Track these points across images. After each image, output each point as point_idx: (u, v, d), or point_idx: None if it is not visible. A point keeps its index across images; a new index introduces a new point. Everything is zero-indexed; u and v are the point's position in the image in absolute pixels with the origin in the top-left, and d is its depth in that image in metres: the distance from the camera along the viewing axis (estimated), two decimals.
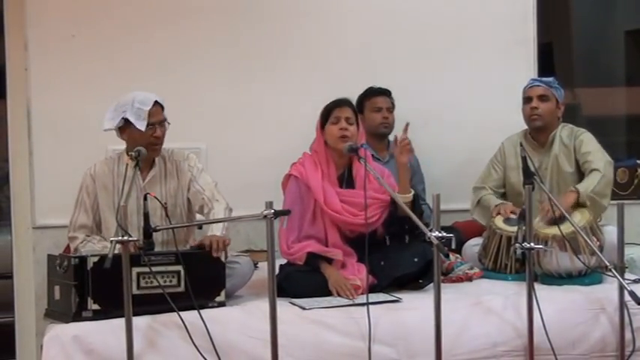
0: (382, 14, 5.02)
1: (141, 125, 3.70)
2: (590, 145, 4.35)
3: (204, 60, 4.83)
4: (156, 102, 3.77)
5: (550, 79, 4.45)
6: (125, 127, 3.75)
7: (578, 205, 4.09)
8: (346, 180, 3.99)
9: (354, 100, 4.72)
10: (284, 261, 3.98)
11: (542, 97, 4.40)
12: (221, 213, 3.74)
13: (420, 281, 3.86)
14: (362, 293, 3.64)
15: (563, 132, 4.44)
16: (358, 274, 3.79)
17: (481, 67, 5.07)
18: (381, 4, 5.04)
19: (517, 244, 3.49)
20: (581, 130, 4.46)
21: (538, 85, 4.43)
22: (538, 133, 4.44)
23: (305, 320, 3.47)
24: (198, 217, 3.93)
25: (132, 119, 3.70)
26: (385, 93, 4.83)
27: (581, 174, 4.35)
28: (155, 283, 3.37)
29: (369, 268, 3.72)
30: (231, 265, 3.71)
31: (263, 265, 4.06)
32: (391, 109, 4.84)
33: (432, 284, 3.34)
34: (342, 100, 3.97)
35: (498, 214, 4.28)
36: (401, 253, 3.84)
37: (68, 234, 3.86)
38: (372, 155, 4.72)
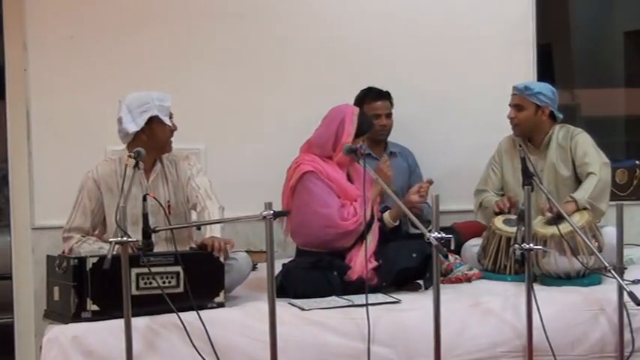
0: (382, 15, 5.02)
1: (168, 120, 3.77)
2: (585, 146, 4.34)
3: (203, 60, 4.83)
4: None
5: (522, 86, 4.38)
6: (146, 127, 3.74)
7: (577, 210, 4.10)
8: (349, 180, 4.03)
9: (350, 101, 4.75)
10: (283, 261, 3.99)
11: (517, 107, 4.39)
12: (215, 212, 3.75)
13: (419, 281, 3.87)
14: (362, 292, 3.64)
15: (560, 133, 4.43)
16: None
17: (481, 68, 5.07)
18: (381, 5, 5.04)
19: (516, 245, 3.49)
20: (577, 130, 4.45)
21: (514, 94, 4.41)
22: (530, 136, 4.42)
23: (304, 321, 3.47)
24: (191, 214, 3.94)
25: (160, 115, 3.74)
26: (385, 96, 4.82)
27: (577, 175, 4.35)
28: (154, 284, 3.37)
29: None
30: (228, 261, 3.71)
31: (262, 266, 4.07)
32: (390, 113, 4.83)
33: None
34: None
35: (498, 207, 4.28)
36: (399, 250, 3.85)
37: (63, 234, 3.84)
38: (369, 154, 4.74)
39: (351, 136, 3.95)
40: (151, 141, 3.74)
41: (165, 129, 3.78)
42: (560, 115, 4.46)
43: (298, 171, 3.93)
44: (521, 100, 4.38)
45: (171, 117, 3.81)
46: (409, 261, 3.81)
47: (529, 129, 4.39)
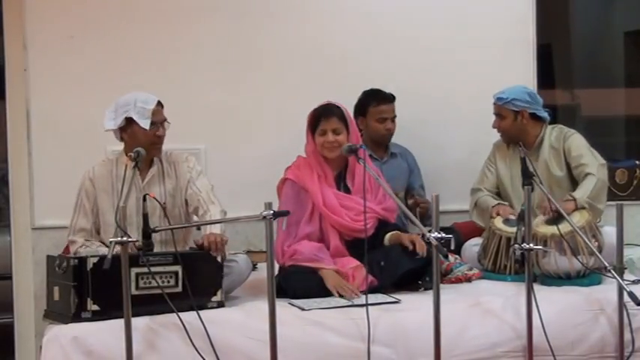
0: (381, 14, 5.02)
1: (145, 124, 3.73)
2: (580, 148, 4.35)
3: (203, 60, 4.83)
4: (158, 101, 3.81)
5: (496, 96, 4.40)
6: (127, 127, 3.77)
7: (576, 209, 4.10)
8: (343, 180, 4.01)
9: (350, 101, 4.76)
10: None
11: (498, 116, 4.43)
12: (217, 215, 3.75)
13: (419, 282, 3.86)
14: (362, 292, 3.63)
15: (553, 134, 4.44)
16: (347, 263, 3.81)
17: (480, 68, 5.07)
18: (381, 4, 5.04)
19: (516, 245, 3.49)
20: (571, 131, 4.45)
21: (493, 104, 4.45)
22: (519, 140, 4.40)
23: (304, 321, 3.47)
24: (193, 218, 3.94)
25: (135, 118, 3.72)
26: (391, 99, 4.80)
27: (571, 176, 4.36)
28: (154, 284, 3.37)
29: (369, 269, 3.72)
30: (228, 263, 3.72)
31: (262, 266, 4.07)
32: (395, 117, 4.82)
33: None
34: (328, 109, 3.96)
35: (498, 214, 4.28)
36: (401, 252, 3.83)
37: (68, 237, 3.86)
38: (370, 156, 4.74)
39: (308, 141, 3.97)
40: (132, 141, 3.75)
41: (144, 132, 3.75)
42: (545, 114, 4.45)
43: (283, 175, 3.96)
44: (498, 109, 4.43)
45: (159, 122, 3.78)
46: (414, 262, 3.79)
47: (514, 135, 4.39)
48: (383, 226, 3.97)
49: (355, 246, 3.85)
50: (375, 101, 4.77)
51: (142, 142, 3.74)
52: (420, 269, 3.81)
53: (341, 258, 3.88)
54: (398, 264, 3.80)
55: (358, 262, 3.79)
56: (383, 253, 3.86)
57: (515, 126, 4.40)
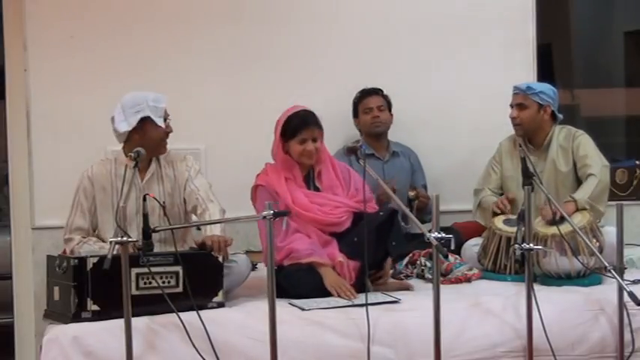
0: (380, 15, 5.02)
1: (161, 122, 3.76)
2: (587, 148, 4.36)
3: (203, 61, 4.83)
4: None
5: (524, 85, 4.40)
6: (138, 128, 3.76)
7: (577, 211, 4.10)
8: (312, 181, 4.01)
9: (350, 102, 4.77)
10: None
11: (520, 106, 4.40)
12: (216, 214, 3.76)
13: (394, 243, 3.85)
14: (361, 292, 3.63)
15: (561, 134, 4.44)
16: (335, 254, 3.82)
17: (480, 68, 5.07)
18: (380, 5, 5.04)
19: (516, 245, 3.49)
20: (579, 131, 4.46)
21: (516, 93, 4.42)
22: (531, 136, 4.43)
23: (304, 321, 3.47)
24: (192, 217, 3.94)
25: (153, 116, 3.74)
26: (375, 92, 4.85)
27: (576, 174, 4.36)
28: (154, 284, 3.37)
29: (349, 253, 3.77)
30: (228, 263, 3.71)
31: (262, 266, 4.07)
32: (383, 107, 4.84)
33: (430, 284, 3.34)
34: (307, 119, 3.94)
35: (499, 209, 4.28)
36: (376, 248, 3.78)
37: (64, 236, 3.85)
38: (372, 155, 4.75)
39: (278, 144, 3.96)
40: (144, 141, 3.74)
41: (158, 130, 3.78)
42: (561, 116, 4.47)
43: (253, 183, 3.97)
44: (523, 99, 4.39)
45: (167, 118, 3.82)
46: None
47: (531, 128, 4.40)
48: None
49: (339, 241, 3.88)
50: (360, 97, 4.85)
51: (154, 140, 3.78)
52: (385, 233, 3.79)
53: (331, 247, 3.87)
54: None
55: (341, 259, 3.80)
56: (355, 231, 3.85)
57: (535, 119, 4.39)
